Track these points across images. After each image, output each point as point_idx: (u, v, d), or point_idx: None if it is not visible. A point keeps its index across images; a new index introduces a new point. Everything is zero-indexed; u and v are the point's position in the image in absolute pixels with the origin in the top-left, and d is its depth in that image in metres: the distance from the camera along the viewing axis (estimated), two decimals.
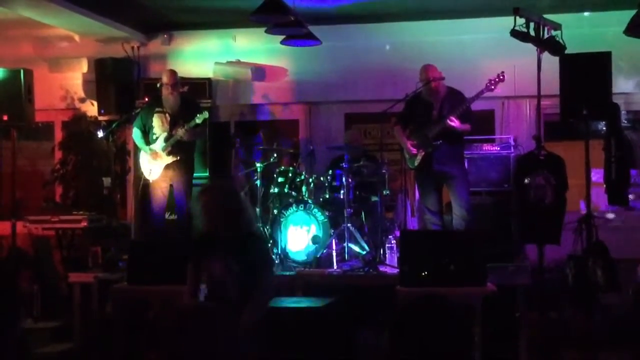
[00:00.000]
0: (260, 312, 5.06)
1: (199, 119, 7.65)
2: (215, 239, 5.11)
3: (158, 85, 7.98)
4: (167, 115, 7.85)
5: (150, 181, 7.88)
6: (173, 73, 7.92)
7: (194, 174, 8.07)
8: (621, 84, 8.18)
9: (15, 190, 8.40)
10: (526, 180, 7.24)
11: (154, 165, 7.82)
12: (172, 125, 7.79)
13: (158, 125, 7.85)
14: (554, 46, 7.24)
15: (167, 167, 7.81)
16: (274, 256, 7.20)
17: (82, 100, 9.51)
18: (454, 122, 7.09)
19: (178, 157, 7.80)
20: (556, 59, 7.27)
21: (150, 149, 7.82)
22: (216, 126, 9.10)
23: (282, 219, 7.45)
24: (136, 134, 7.97)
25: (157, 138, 7.82)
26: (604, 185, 7.80)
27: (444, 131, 7.15)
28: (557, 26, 7.31)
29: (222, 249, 5.07)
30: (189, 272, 5.24)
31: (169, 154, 7.78)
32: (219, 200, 5.13)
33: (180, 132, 7.68)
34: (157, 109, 7.89)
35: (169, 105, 7.83)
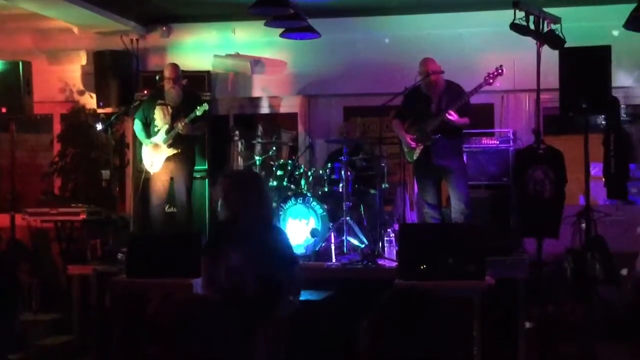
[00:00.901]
0: (288, 308, 4.92)
1: (198, 111, 7.66)
2: (235, 227, 4.95)
3: (157, 78, 7.99)
4: (169, 107, 7.87)
5: (151, 174, 7.90)
6: (175, 67, 7.93)
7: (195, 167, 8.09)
8: (621, 78, 8.17)
9: (14, 183, 8.39)
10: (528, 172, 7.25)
11: (156, 157, 7.84)
12: (174, 118, 7.80)
13: (160, 118, 7.87)
14: (553, 40, 7.23)
15: (168, 159, 7.82)
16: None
17: (81, 93, 9.50)
18: (452, 116, 7.09)
19: (179, 150, 7.82)
20: (556, 52, 7.27)
21: (151, 142, 7.84)
22: (215, 119, 9.09)
23: (280, 212, 7.45)
24: (137, 125, 7.98)
25: (158, 130, 7.84)
26: (603, 179, 7.81)
27: (443, 125, 7.15)
28: (556, 20, 7.30)
29: (240, 237, 4.96)
30: (204, 261, 5.11)
31: (169, 146, 7.79)
32: (240, 186, 5.04)
33: (179, 126, 7.70)
34: (159, 102, 7.91)
35: (170, 98, 7.85)
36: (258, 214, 4.98)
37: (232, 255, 4.86)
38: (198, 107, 7.66)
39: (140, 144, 8.09)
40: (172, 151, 7.81)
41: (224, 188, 5.02)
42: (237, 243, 4.87)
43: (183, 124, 7.67)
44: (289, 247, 5.11)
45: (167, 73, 7.88)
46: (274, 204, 7.55)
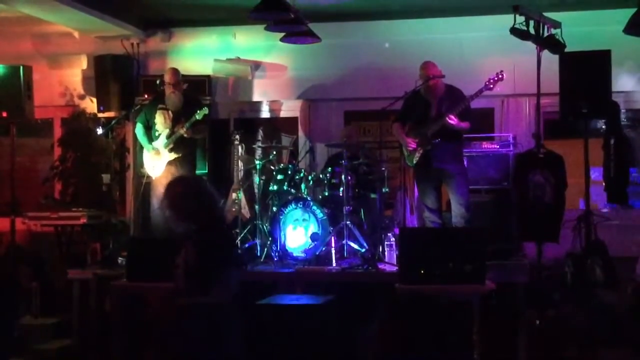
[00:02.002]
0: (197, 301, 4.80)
1: (198, 115, 7.68)
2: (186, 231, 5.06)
3: (157, 82, 8.01)
4: (169, 112, 7.89)
5: (153, 178, 7.92)
6: (175, 72, 7.95)
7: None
8: (621, 83, 8.18)
9: (15, 187, 8.39)
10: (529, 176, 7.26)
11: (157, 162, 7.86)
12: (175, 122, 7.83)
13: (160, 122, 7.89)
14: (553, 44, 7.23)
15: (170, 163, 7.85)
16: (273, 254, 7.23)
17: (82, 97, 9.53)
18: (453, 120, 7.09)
19: (180, 154, 7.84)
20: (556, 57, 7.28)
21: (153, 147, 7.86)
22: (216, 123, 9.10)
23: (281, 217, 7.44)
24: (139, 129, 8.01)
25: (159, 135, 7.87)
26: (603, 184, 7.81)
27: (443, 129, 7.15)
28: (556, 24, 7.31)
29: (184, 240, 5.02)
30: None
31: (170, 150, 7.81)
32: (181, 193, 5.03)
33: (181, 130, 7.72)
34: (160, 106, 7.93)
35: (171, 103, 7.87)
36: (196, 220, 4.96)
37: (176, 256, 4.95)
38: (198, 111, 7.68)
39: (141, 148, 8.12)
40: (173, 155, 7.83)
41: (169, 195, 4.97)
42: (183, 245, 4.93)
43: (184, 128, 7.70)
44: (219, 256, 4.89)
45: (167, 78, 7.90)
46: (275, 209, 7.57)
